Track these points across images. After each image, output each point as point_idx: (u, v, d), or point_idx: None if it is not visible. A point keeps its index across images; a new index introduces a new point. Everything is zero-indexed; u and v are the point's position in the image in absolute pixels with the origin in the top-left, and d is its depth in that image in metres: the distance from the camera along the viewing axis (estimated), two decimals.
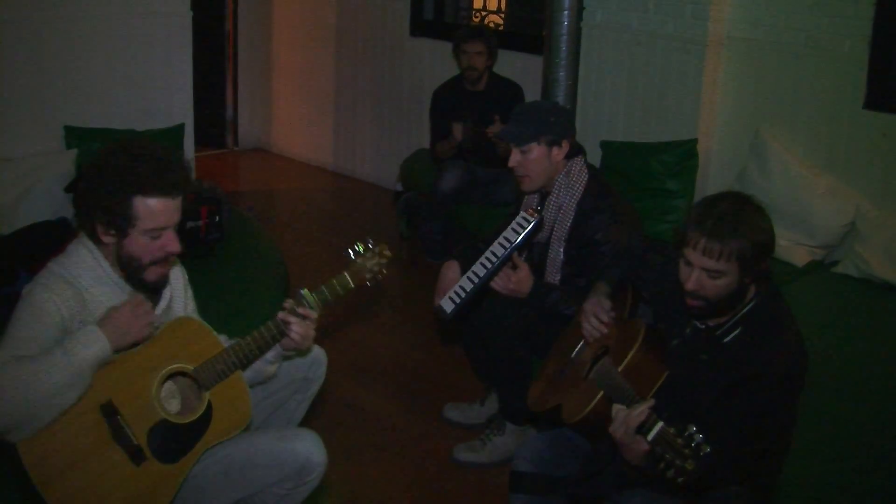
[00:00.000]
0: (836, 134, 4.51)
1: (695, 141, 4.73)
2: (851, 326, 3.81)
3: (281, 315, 2.56)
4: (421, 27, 6.60)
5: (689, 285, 2.37)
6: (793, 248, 4.43)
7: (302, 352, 2.76)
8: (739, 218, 2.31)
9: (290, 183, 7.41)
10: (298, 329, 2.56)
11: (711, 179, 4.96)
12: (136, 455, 2.34)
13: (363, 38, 7.06)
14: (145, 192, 2.36)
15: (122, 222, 2.37)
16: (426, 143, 6.51)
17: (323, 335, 2.68)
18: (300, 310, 2.57)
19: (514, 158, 3.39)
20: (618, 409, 2.33)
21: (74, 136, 4.82)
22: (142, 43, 5.13)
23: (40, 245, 4.00)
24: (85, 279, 2.42)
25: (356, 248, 2.70)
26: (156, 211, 2.38)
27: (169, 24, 5.22)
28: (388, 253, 2.76)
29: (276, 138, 8.16)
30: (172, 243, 2.44)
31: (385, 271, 2.75)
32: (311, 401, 2.92)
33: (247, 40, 7.92)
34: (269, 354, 2.64)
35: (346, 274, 2.66)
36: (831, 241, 4.45)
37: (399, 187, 6.46)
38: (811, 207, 4.43)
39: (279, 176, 7.63)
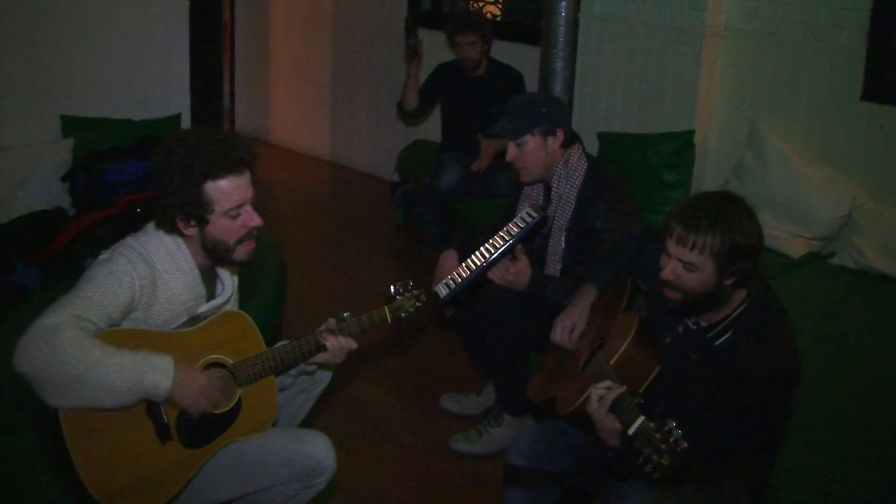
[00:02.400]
0: (833, 126, 4.51)
1: (692, 132, 4.72)
2: (847, 318, 3.82)
3: (323, 336, 2.61)
4: (418, 17, 6.57)
5: (664, 274, 2.38)
6: (789, 239, 4.43)
7: (327, 366, 2.79)
8: (721, 214, 2.30)
9: (287, 173, 7.40)
10: (334, 344, 2.62)
11: (708, 171, 4.97)
12: (163, 433, 2.36)
13: (360, 28, 7.05)
14: (214, 176, 2.38)
15: (200, 211, 2.40)
16: (423, 134, 6.51)
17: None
18: (341, 339, 2.63)
19: (511, 152, 3.39)
20: (593, 388, 2.35)
21: (71, 125, 4.81)
22: (139, 32, 5.11)
23: (37, 234, 4.00)
24: (161, 262, 2.44)
25: (397, 286, 2.81)
26: (228, 190, 2.40)
27: (166, 14, 5.20)
28: (424, 299, 2.86)
29: (273, 128, 8.14)
30: (253, 218, 2.47)
31: (418, 316, 2.85)
32: (316, 400, 2.93)
33: (244, 30, 7.90)
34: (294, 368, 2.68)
35: (386, 309, 2.77)
36: (828, 232, 4.45)
37: (396, 178, 6.45)
38: (808, 199, 4.43)
39: (276, 166, 7.62)
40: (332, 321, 2.66)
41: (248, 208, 2.47)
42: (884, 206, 4.28)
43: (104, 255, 2.40)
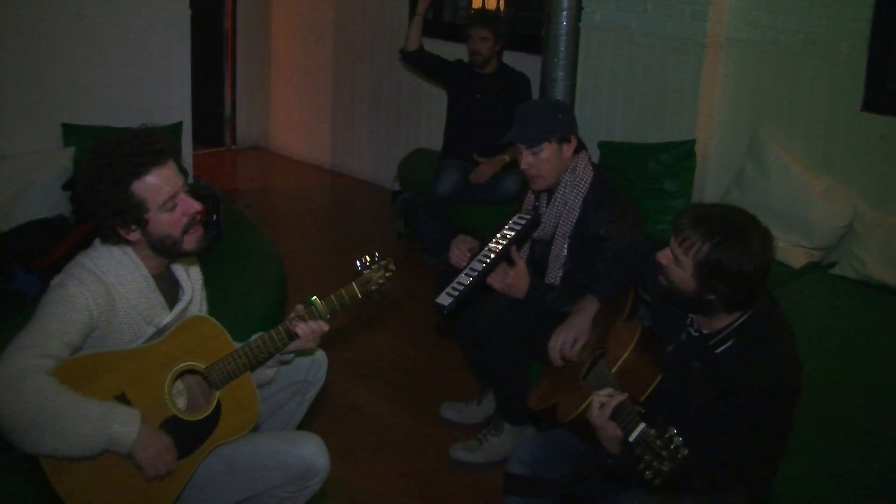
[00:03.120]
0: (834, 135, 4.51)
1: (693, 141, 4.73)
2: (848, 328, 3.81)
3: (293, 324, 2.60)
4: None
5: (659, 256, 2.43)
6: (790, 249, 4.43)
7: (305, 352, 2.77)
8: (725, 229, 2.30)
9: (287, 181, 7.41)
10: (305, 330, 2.61)
11: (709, 180, 4.97)
12: None
13: (361, 37, 7.06)
14: (138, 175, 2.36)
15: (136, 213, 2.38)
16: (424, 142, 6.52)
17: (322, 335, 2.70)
18: (311, 323, 2.62)
19: (527, 160, 3.34)
20: (595, 396, 2.35)
21: (72, 133, 4.82)
22: (140, 40, 5.12)
23: (37, 243, 4.00)
24: (115, 275, 2.41)
25: (364, 260, 2.75)
26: (157, 185, 2.38)
27: (167, 22, 5.22)
28: (392, 268, 2.80)
29: (274, 137, 8.16)
30: (191, 205, 2.45)
31: (389, 285, 2.79)
32: (311, 403, 2.92)
33: (245, 38, 7.92)
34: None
35: (354, 285, 2.71)
36: (829, 242, 4.45)
37: (397, 186, 6.46)
38: (809, 209, 4.43)
39: (277, 174, 7.63)
40: (300, 307, 2.64)
41: (183, 196, 2.44)
42: (885, 216, 4.27)
43: (56, 280, 2.38)
